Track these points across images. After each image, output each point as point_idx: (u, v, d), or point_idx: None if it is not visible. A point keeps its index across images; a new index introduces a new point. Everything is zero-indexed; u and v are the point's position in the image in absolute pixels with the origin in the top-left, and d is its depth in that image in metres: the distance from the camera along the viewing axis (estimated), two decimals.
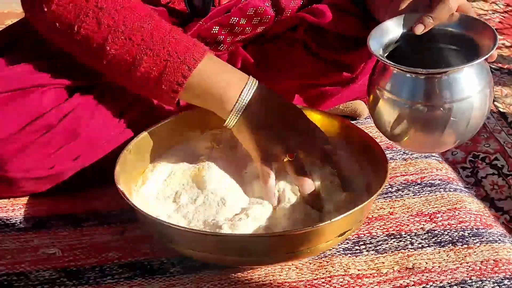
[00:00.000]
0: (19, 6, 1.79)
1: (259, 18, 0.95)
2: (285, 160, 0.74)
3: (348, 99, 1.04)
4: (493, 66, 1.42)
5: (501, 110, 1.24)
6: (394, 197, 0.87)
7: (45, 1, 0.75)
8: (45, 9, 0.75)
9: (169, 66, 0.73)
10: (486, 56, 0.66)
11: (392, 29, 0.71)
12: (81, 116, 0.82)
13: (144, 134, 0.80)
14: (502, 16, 1.71)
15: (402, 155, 0.96)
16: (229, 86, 0.74)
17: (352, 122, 1.03)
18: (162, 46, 0.74)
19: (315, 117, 0.87)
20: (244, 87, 0.74)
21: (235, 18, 0.95)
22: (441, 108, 0.66)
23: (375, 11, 0.84)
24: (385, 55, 0.70)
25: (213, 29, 0.95)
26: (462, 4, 0.71)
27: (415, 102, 0.67)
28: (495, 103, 1.26)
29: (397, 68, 0.67)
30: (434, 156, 0.98)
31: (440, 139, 0.69)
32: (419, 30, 0.69)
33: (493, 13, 1.72)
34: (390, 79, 0.69)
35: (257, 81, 0.76)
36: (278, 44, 0.97)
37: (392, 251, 0.76)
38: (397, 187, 0.88)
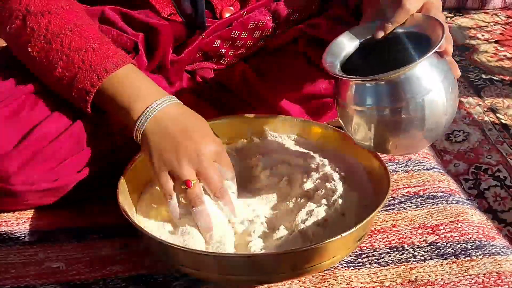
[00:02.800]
0: None
1: (260, 32, 0.96)
2: (182, 187, 0.72)
3: None
4: (495, 78, 1.42)
5: (503, 121, 1.24)
6: (396, 209, 0.87)
7: None
8: None
9: (80, 74, 0.76)
10: (435, 49, 0.66)
11: (347, 42, 0.73)
12: (84, 128, 0.82)
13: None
14: (503, 27, 1.72)
15: (404, 167, 0.96)
16: (139, 98, 0.75)
17: None
18: (78, 54, 0.76)
19: (316, 130, 0.87)
20: (154, 102, 0.74)
21: (236, 32, 0.96)
22: (407, 108, 0.67)
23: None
24: (344, 66, 0.71)
25: (215, 43, 0.96)
26: (426, 3, 0.72)
27: (380, 107, 0.68)
28: (497, 114, 1.27)
29: (354, 80, 0.68)
30: (436, 168, 0.98)
31: (415, 138, 0.70)
32: (379, 35, 0.72)
33: (495, 25, 1.73)
34: (350, 91, 0.70)
35: (174, 99, 0.76)
36: (280, 57, 0.98)
37: (394, 264, 0.76)
38: (400, 200, 0.88)
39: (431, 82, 0.68)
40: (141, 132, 0.74)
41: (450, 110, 0.70)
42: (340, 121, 0.74)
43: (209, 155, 0.73)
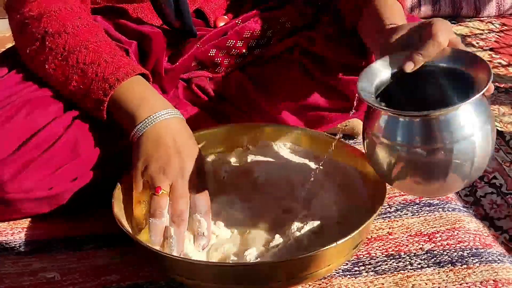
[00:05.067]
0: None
1: (255, 41, 0.97)
2: (158, 193, 0.73)
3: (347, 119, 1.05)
4: None
5: (499, 129, 1.24)
6: (393, 217, 0.87)
7: (12, 29, 0.88)
8: (14, 35, 0.88)
9: (94, 85, 0.79)
10: (483, 91, 0.62)
11: (381, 70, 0.68)
12: (78, 136, 0.82)
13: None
14: (498, 35, 1.72)
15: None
16: (145, 105, 0.77)
17: (350, 141, 1.04)
18: (92, 67, 0.80)
19: (311, 138, 0.87)
20: (157, 112, 0.76)
21: (231, 41, 0.96)
22: (442, 151, 0.62)
23: (370, 47, 0.85)
24: (377, 95, 0.67)
25: (210, 52, 0.96)
26: (452, 38, 0.69)
27: (412, 146, 0.64)
28: None
29: (390, 112, 0.64)
30: None
31: (444, 183, 0.65)
32: (409, 67, 0.67)
33: (489, 33, 1.74)
34: (384, 123, 0.65)
35: (177, 114, 0.78)
36: (275, 66, 0.98)
37: (391, 272, 0.76)
38: (396, 207, 0.88)
39: (473, 126, 0.63)
40: (138, 136, 0.76)
41: (488, 156, 0.66)
42: (365, 149, 0.71)
43: (190, 177, 0.74)
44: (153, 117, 0.76)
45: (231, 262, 0.71)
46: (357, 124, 1.06)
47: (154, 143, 0.75)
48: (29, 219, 0.86)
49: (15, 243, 0.83)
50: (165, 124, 0.76)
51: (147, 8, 0.93)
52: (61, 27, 0.82)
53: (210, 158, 0.86)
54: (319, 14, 0.98)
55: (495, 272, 0.75)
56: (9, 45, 1.58)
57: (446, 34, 0.68)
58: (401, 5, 0.83)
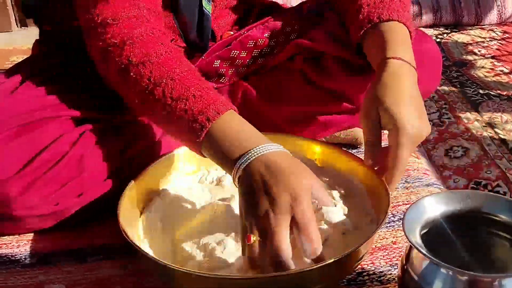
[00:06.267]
0: (24, 42, 1.83)
1: (259, 50, 0.97)
2: (251, 241, 0.64)
3: (349, 126, 1.05)
4: (492, 93, 1.43)
5: (502, 136, 1.25)
6: (396, 226, 0.87)
7: (92, 55, 0.82)
8: (94, 61, 0.82)
9: (184, 123, 0.72)
10: None
11: (430, 207, 0.65)
12: (83, 152, 0.83)
13: (146, 171, 0.81)
14: (499, 43, 1.73)
15: (404, 183, 0.96)
16: (240, 144, 0.69)
17: (353, 151, 1.05)
18: (180, 103, 0.73)
19: (316, 148, 0.88)
20: (252, 149, 0.68)
21: (235, 51, 0.97)
22: None
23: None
24: (422, 232, 0.63)
25: (215, 63, 0.97)
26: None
27: None
28: (496, 129, 1.27)
29: (435, 262, 0.59)
30: (435, 184, 0.98)
31: None
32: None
33: (491, 40, 1.74)
34: (426, 270, 0.61)
35: (275, 146, 0.69)
36: (278, 74, 0.99)
37: (396, 282, 0.76)
38: (399, 216, 0.88)
39: None
40: (237, 177, 0.69)
41: None
42: (398, 278, 0.66)
43: (283, 218, 0.63)
44: (248, 154, 0.68)
45: (235, 275, 0.70)
46: (359, 133, 1.06)
47: (251, 181, 0.66)
48: (34, 231, 0.86)
49: (21, 255, 0.83)
50: (263, 159, 0.67)
51: (166, 24, 0.93)
52: (145, 56, 0.76)
53: (216, 169, 0.86)
54: (319, 16, 0.98)
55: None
56: (14, 58, 1.61)
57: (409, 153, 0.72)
58: (408, 31, 0.83)
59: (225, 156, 0.70)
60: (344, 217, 0.74)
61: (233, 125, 0.72)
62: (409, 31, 0.83)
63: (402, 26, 0.82)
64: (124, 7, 0.79)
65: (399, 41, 0.80)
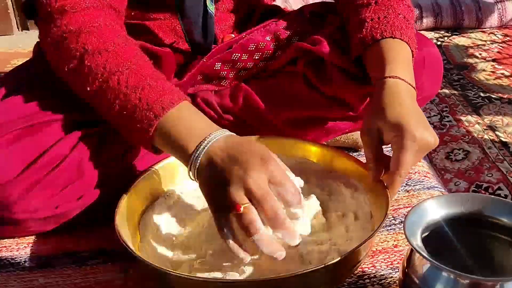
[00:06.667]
0: (25, 45, 1.83)
1: (260, 53, 0.97)
2: (240, 210, 0.64)
3: (351, 131, 1.05)
4: (493, 96, 1.43)
5: (503, 139, 1.24)
6: (397, 229, 0.86)
7: (45, 43, 0.80)
8: (46, 49, 0.81)
9: (137, 113, 0.72)
10: None
11: (431, 210, 0.65)
12: (83, 156, 0.83)
13: (145, 174, 0.81)
14: (500, 46, 1.73)
15: (405, 186, 0.96)
16: (192, 135, 0.70)
17: (354, 154, 1.04)
18: (134, 92, 0.73)
19: (314, 150, 0.87)
20: (205, 138, 0.69)
21: (237, 54, 0.96)
22: None
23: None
24: (424, 235, 0.63)
25: (216, 66, 0.97)
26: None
27: None
28: (496, 132, 1.27)
29: (437, 266, 0.59)
30: (436, 187, 0.98)
31: None
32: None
33: (492, 43, 1.74)
34: (427, 273, 0.61)
35: (225, 132, 0.70)
36: (279, 78, 0.98)
37: (397, 285, 0.75)
38: (400, 219, 0.88)
39: None
40: (195, 171, 0.69)
41: None
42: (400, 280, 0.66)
43: (260, 176, 0.64)
44: (201, 145, 0.69)
45: (233, 279, 0.70)
46: (360, 137, 1.06)
47: (210, 169, 0.67)
48: (35, 235, 0.86)
49: (21, 258, 0.83)
50: (215, 146, 0.69)
51: (164, 26, 0.93)
52: (102, 44, 0.76)
53: None
54: (321, 21, 0.98)
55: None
56: (15, 61, 1.61)
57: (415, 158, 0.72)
58: (410, 49, 0.83)
59: (179, 146, 0.70)
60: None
61: (186, 115, 0.72)
62: (411, 50, 0.83)
63: (404, 44, 0.82)
64: None
65: (399, 60, 0.80)
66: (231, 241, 0.65)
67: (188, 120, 0.72)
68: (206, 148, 0.68)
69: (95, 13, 0.79)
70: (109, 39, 0.77)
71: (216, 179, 0.66)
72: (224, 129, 0.71)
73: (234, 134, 0.71)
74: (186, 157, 0.70)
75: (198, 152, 0.69)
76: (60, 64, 0.79)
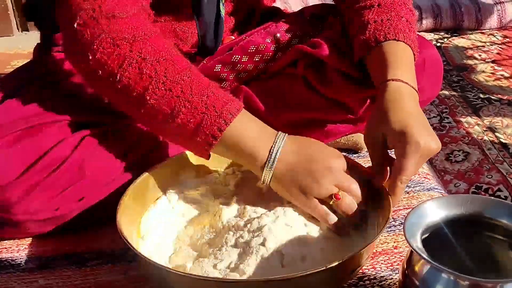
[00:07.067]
0: (25, 46, 1.83)
1: (260, 55, 0.97)
2: (331, 202, 0.73)
3: (351, 133, 1.05)
4: (493, 97, 1.43)
5: (503, 141, 1.25)
6: (397, 230, 0.87)
7: (90, 50, 0.74)
8: (90, 57, 0.74)
9: (206, 119, 0.73)
10: None
11: (431, 212, 0.66)
12: (84, 157, 0.83)
13: (147, 174, 0.81)
14: (500, 47, 1.73)
15: (405, 188, 0.96)
16: (260, 143, 0.74)
17: (353, 155, 1.05)
18: (201, 100, 0.73)
19: None
20: (272, 145, 0.74)
21: (237, 56, 0.97)
22: None
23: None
24: (423, 237, 0.63)
25: (216, 67, 0.97)
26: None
27: None
28: (496, 133, 1.27)
29: (437, 267, 0.59)
30: (437, 188, 0.98)
31: None
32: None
33: (491, 45, 1.74)
34: (427, 275, 0.61)
35: (285, 136, 0.75)
36: (280, 80, 0.99)
37: (397, 287, 0.75)
38: (401, 221, 0.88)
39: None
40: (270, 179, 0.74)
41: None
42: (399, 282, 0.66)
43: (340, 168, 0.74)
44: (272, 153, 0.73)
45: (234, 278, 0.70)
46: (360, 138, 1.06)
47: (291, 175, 0.73)
48: (35, 236, 0.86)
49: (21, 259, 0.83)
50: (285, 151, 0.74)
51: (165, 28, 0.93)
52: (158, 53, 0.74)
53: (223, 170, 0.86)
54: (322, 24, 0.98)
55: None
56: (15, 62, 1.61)
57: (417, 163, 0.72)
58: (412, 52, 0.83)
59: (248, 153, 0.74)
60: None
61: (250, 123, 0.76)
62: (413, 53, 0.83)
63: (407, 47, 0.82)
64: (128, 3, 0.75)
65: (402, 63, 0.80)
66: (332, 218, 0.74)
67: (252, 127, 0.75)
68: (277, 156, 0.73)
69: (141, 20, 0.76)
70: (162, 47, 0.75)
71: (302, 178, 0.73)
72: (280, 132, 0.76)
73: (290, 135, 0.76)
74: (256, 165, 0.74)
75: (270, 160, 0.73)
76: (108, 73, 0.74)
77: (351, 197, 0.74)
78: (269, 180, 0.74)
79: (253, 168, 0.75)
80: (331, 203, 0.73)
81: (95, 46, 0.73)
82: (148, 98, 0.73)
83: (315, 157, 0.74)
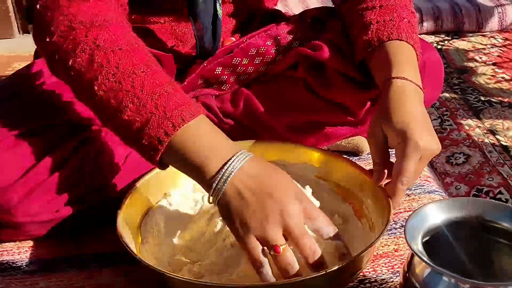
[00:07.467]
0: (26, 49, 1.83)
1: (260, 58, 0.97)
2: (271, 253, 0.63)
3: (352, 136, 1.05)
4: (493, 100, 1.43)
5: (503, 143, 1.25)
6: (398, 233, 0.87)
7: (48, 32, 0.71)
8: (47, 39, 0.71)
9: (153, 120, 0.66)
10: None
11: (431, 214, 0.65)
12: (85, 158, 0.83)
13: (147, 177, 0.81)
14: (500, 50, 1.73)
15: (406, 190, 0.96)
16: (214, 156, 0.65)
17: (354, 158, 1.05)
18: (151, 97, 0.67)
19: (315, 156, 0.87)
20: (230, 161, 0.64)
21: (237, 59, 0.97)
22: None
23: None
24: (424, 240, 0.63)
25: (216, 70, 0.97)
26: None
27: None
28: (497, 136, 1.27)
29: (437, 270, 0.58)
30: (437, 191, 0.98)
31: None
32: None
33: (492, 47, 1.75)
34: (428, 278, 0.61)
35: (249, 156, 0.66)
36: (280, 82, 0.99)
37: None
38: (401, 223, 0.88)
39: None
40: (218, 197, 0.64)
41: None
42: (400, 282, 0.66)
43: (297, 215, 0.63)
44: (225, 169, 0.64)
45: (237, 283, 0.70)
46: (361, 141, 1.06)
47: (240, 199, 0.63)
48: (35, 238, 0.86)
49: (22, 262, 0.83)
50: (242, 171, 0.64)
51: (164, 29, 0.93)
52: (114, 41, 0.70)
53: None
54: (322, 26, 0.98)
55: None
56: (15, 64, 1.61)
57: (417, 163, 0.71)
58: (415, 52, 0.83)
59: (197, 166, 0.65)
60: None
61: (205, 130, 0.67)
62: (416, 53, 0.83)
63: (410, 47, 0.82)
64: None
65: (406, 61, 0.80)
66: (264, 270, 0.64)
67: (208, 137, 0.67)
68: (231, 175, 0.64)
69: (105, 7, 0.73)
70: (121, 37, 0.71)
71: (247, 212, 0.63)
72: (243, 150, 0.66)
73: (254, 156, 0.66)
74: (204, 180, 0.65)
75: (221, 178, 0.64)
76: (63, 57, 0.71)
77: (292, 256, 0.63)
78: (215, 200, 0.65)
79: (201, 182, 0.66)
80: (270, 253, 0.63)
81: (52, 28, 0.71)
82: (96, 88, 0.69)
83: (274, 192, 0.63)
